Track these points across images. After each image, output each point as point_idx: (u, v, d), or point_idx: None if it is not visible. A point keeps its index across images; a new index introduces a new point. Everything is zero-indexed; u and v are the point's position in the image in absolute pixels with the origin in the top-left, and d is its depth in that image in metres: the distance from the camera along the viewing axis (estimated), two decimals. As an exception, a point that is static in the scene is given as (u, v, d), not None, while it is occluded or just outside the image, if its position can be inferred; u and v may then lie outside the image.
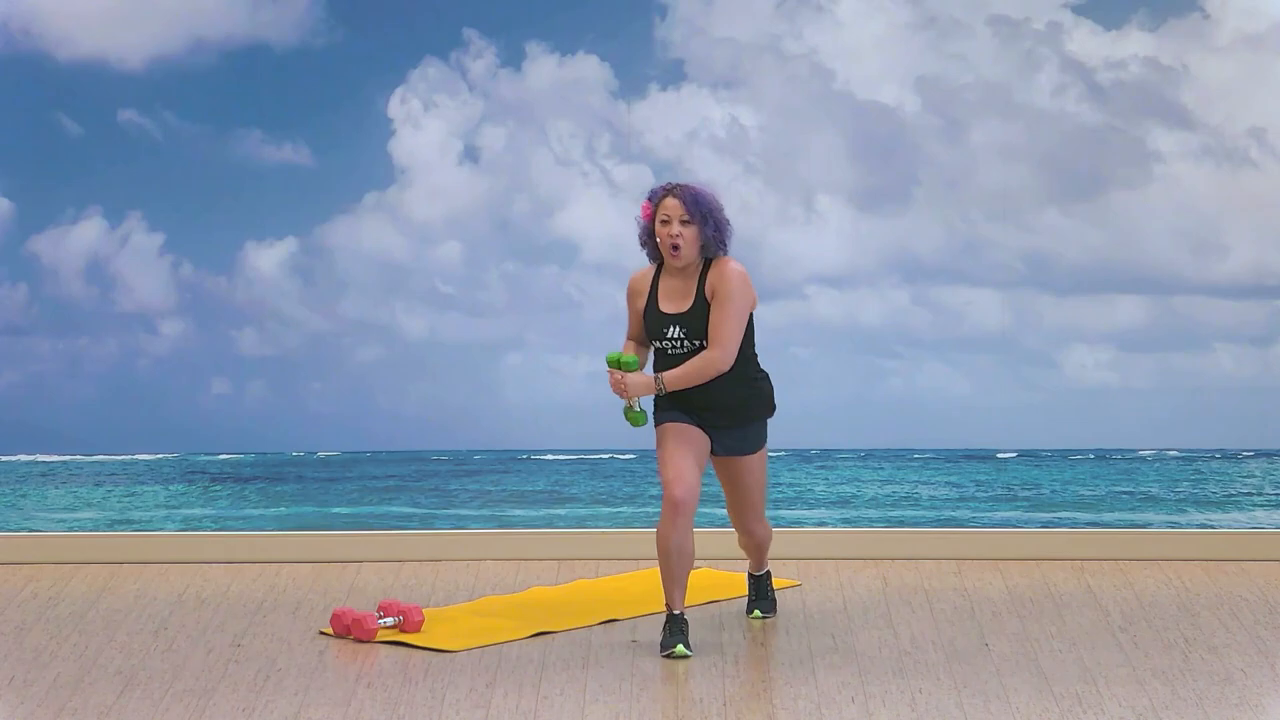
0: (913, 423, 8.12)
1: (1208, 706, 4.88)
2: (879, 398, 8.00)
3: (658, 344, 5.39)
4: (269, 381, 7.93)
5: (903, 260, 7.73)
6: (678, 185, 5.32)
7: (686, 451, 5.35)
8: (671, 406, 5.42)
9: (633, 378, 5.32)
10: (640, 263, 5.51)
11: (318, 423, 8.08)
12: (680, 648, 5.33)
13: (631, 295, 5.47)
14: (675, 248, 5.26)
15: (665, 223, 5.27)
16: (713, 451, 5.47)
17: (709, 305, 5.29)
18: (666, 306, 5.33)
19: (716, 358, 5.28)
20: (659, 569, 5.42)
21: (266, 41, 7.63)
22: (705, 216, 5.25)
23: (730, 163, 7.56)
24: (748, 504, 5.59)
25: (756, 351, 5.46)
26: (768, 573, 5.83)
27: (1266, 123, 7.40)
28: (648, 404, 5.51)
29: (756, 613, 5.78)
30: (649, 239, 5.36)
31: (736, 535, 5.75)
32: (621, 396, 5.35)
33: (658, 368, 5.44)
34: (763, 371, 5.50)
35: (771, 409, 5.52)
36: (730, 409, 5.40)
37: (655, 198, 5.34)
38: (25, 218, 7.61)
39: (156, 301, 7.83)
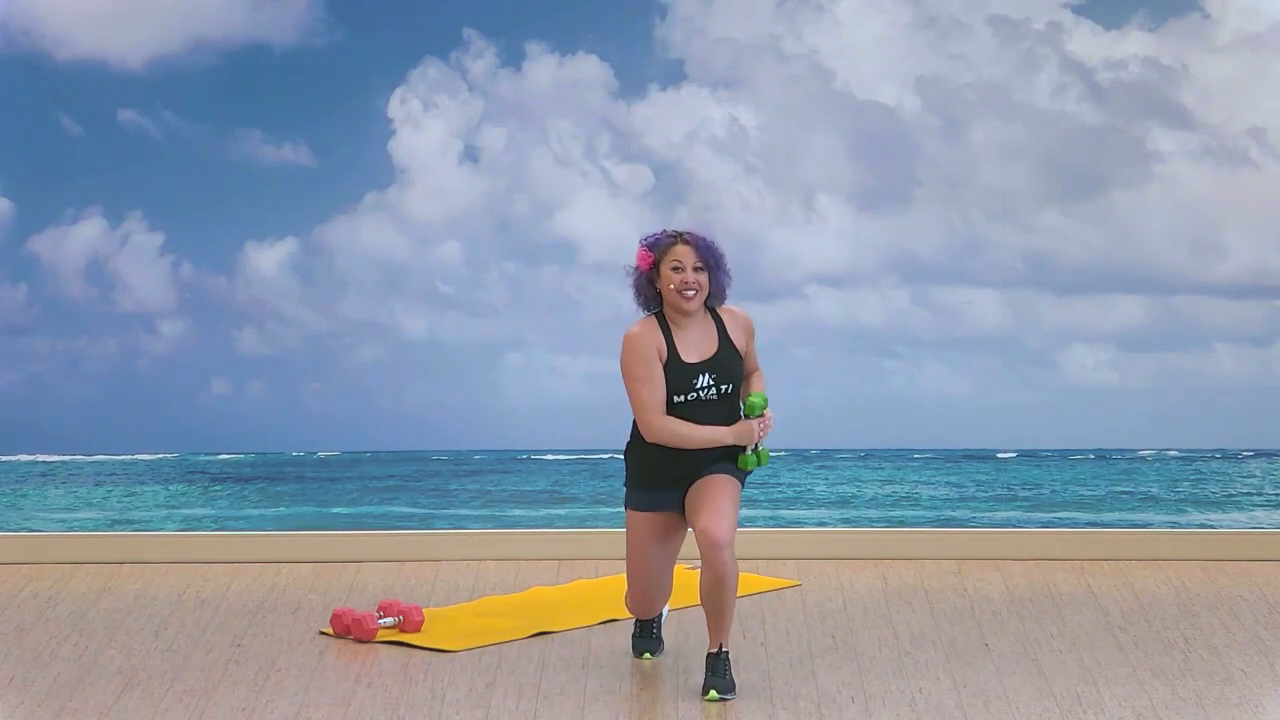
0: (913, 423, 8.12)
1: (1208, 706, 4.89)
2: (879, 398, 8.00)
3: (684, 397, 5.09)
4: (269, 381, 7.93)
5: (903, 260, 7.74)
6: (685, 232, 5.17)
7: (656, 550, 5.22)
8: (648, 480, 5.17)
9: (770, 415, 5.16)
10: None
11: (318, 423, 8.08)
12: (647, 655, 5.38)
13: (650, 357, 5.06)
14: (689, 295, 5.08)
15: (678, 270, 5.10)
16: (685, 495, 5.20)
17: (735, 350, 5.17)
18: (690, 357, 5.11)
19: None
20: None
21: (266, 41, 7.63)
22: (718, 264, 5.17)
23: (730, 163, 7.56)
24: (714, 501, 5.06)
25: None
26: (726, 653, 5.05)
27: (1266, 123, 7.40)
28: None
29: (713, 693, 4.99)
30: (647, 287, 5.14)
31: (699, 574, 5.05)
32: (759, 438, 5.11)
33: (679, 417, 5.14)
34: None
35: None
36: (716, 457, 5.23)
37: (659, 245, 5.14)
38: (25, 218, 7.62)
39: (156, 301, 7.83)
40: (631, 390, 5.09)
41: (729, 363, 5.12)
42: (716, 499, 5.05)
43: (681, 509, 5.17)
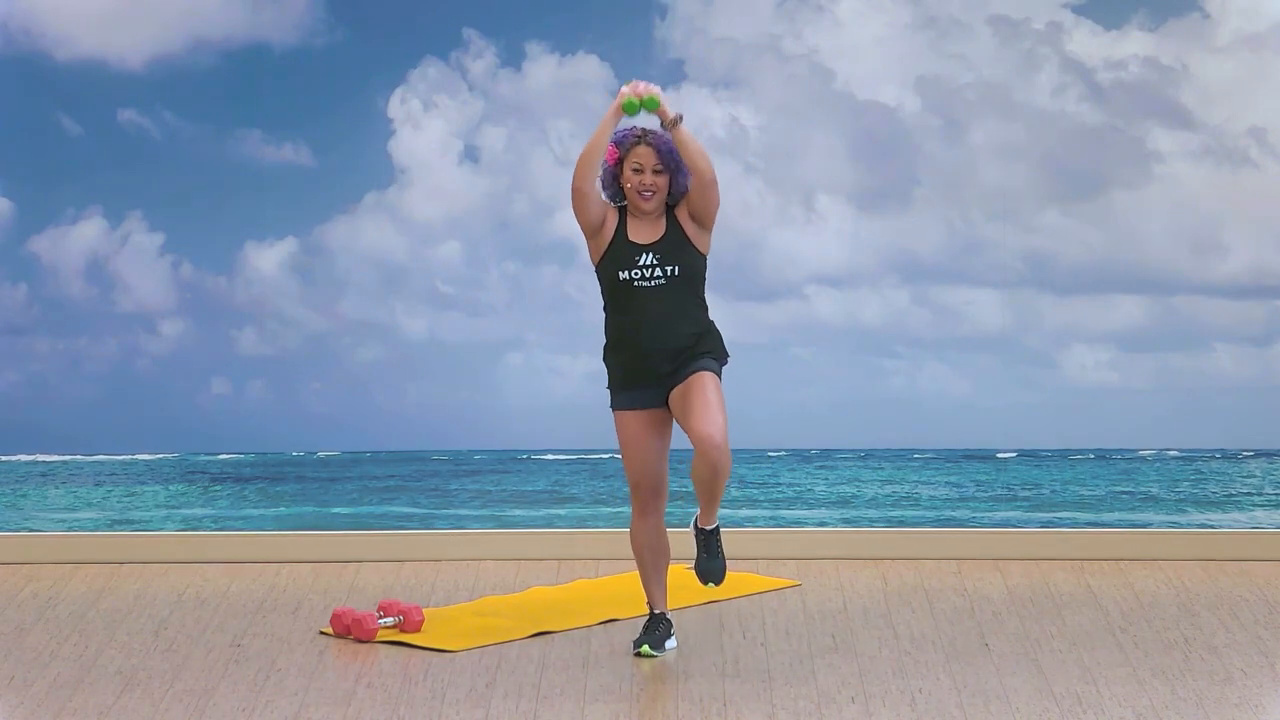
0: (913, 423, 8.12)
1: (1208, 706, 4.88)
2: (879, 398, 8.00)
3: (626, 274, 5.23)
4: (269, 381, 7.94)
5: (903, 260, 7.74)
6: (650, 133, 5.27)
7: (648, 444, 5.31)
8: (628, 380, 5.29)
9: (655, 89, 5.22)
10: None
11: (318, 423, 8.09)
12: (645, 648, 5.34)
13: (599, 209, 5.25)
14: (646, 196, 5.23)
15: (638, 171, 5.23)
16: (669, 394, 5.30)
17: (683, 234, 5.24)
18: (637, 238, 5.27)
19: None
20: (637, 569, 5.44)
21: (266, 41, 7.63)
22: (678, 166, 5.25)
23: (730, 163, 7.56)
24: (704, 404, 5.18)
25: (707, 304, 5.38)
26: (718, 529, 5.31)
27: (1266, 123, 7.40)
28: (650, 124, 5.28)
29: (710, 585, 5.36)
30: (612, 183, 5.28)
31: (693, 458, 5.21)
32: (633, 95, 5.17)
33: (620, 309, 5.27)
34: (712, 321, 5.38)
35: (725, 353, 5.38)
36: (684, 349, 5.27)
37: (624, 144, 5.26)
38: (25, 218, 7.62)
39: (156, 301, 7.83)
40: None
41: (674, 245, 5.23)
42: (706, 405, 5.19)
43: (664, 404, 5.28)
